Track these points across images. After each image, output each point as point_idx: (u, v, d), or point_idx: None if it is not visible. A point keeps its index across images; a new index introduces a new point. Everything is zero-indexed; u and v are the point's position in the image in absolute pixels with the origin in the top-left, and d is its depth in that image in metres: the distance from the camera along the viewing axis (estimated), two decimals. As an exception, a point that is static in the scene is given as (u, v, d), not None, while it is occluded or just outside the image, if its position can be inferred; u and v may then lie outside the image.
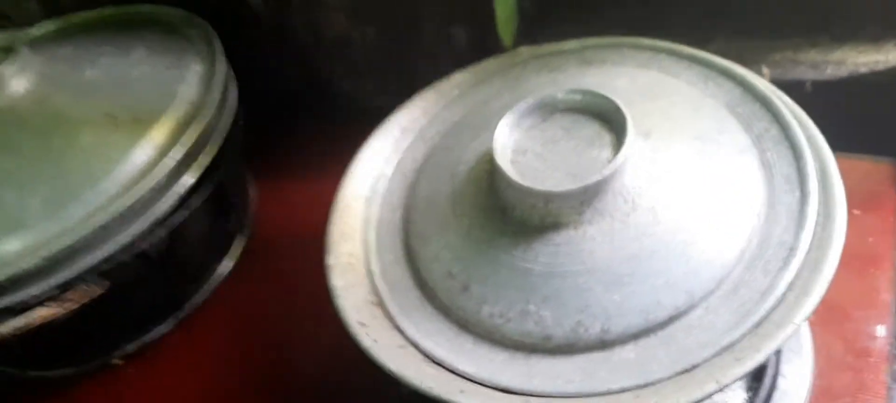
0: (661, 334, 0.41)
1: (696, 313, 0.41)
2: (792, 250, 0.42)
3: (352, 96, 0.80)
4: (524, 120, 0.48)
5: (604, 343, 0.41)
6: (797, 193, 0.44)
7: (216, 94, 0.65)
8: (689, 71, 0.52)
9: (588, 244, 0.43)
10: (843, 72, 0.62)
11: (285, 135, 0.84)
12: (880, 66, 0.61)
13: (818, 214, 0.43)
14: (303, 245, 0.70)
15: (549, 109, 0.48)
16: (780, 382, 0.52)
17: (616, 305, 0.42)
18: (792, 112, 0.48)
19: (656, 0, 0.66)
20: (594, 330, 0.42)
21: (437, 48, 0.72)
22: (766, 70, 0.63)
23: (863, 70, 0.62)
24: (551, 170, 0.45)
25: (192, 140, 0.61)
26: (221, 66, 0.67)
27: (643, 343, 0.41)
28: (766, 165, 0.46)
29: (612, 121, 0.46)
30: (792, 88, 0.49)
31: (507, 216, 0.45)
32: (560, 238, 0.44)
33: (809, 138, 0.46)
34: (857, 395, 0.50)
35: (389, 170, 0.54)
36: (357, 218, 0.52)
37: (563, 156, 0.46)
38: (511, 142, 0.47)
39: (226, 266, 0.72)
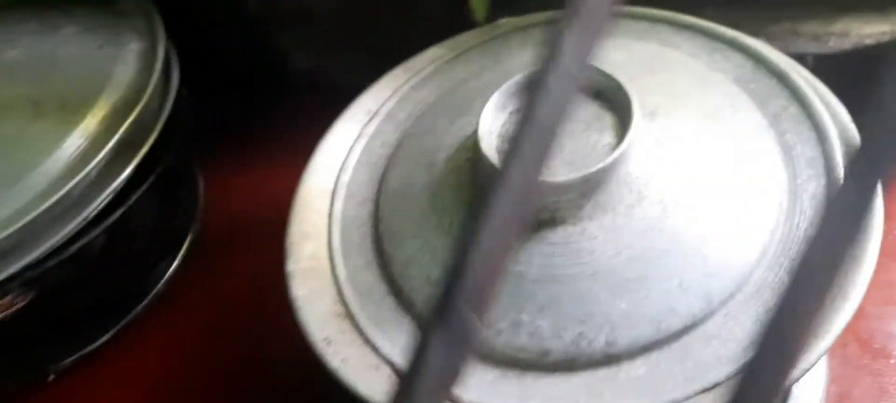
0: (675, 346, 0.36)
1: (715, 321, 0.36)
2: (822, 246, 0.37)
3: (312, 74, 0.73)
4: (512, 101, 0.42)
5: (609, 358, 0.36)
6: (823, 181, 0.39)
7: (157, 76, 0.58)
8: (692, 42, 0.47)
9: (589, 243, 0.37)
10: (846, 44, 0.57)
11: (237, 119, 0.77)
12: (887, 37, 0.56)
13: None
14: (259, 239, 0.64)
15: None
16: (794, 389, 0.47)
17: (623, 313, 0.36)
18: (813, 87, 0.42)
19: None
20: (598, 342, 0.36)
21: (409, 21, 0.66)
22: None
23: (868, 42, 0.57)
24: (544, 158, 0.39)
25: (130, 127, 0.55)
26: (162, 44, 0.60)
27: (655, 357, 0.36)
28: (785, 148, 0.41)
29: (612, 100, 0.40)
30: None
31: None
32: (557, 236, 0.38)
33: (834, 117, 0.41)
34: (879, 402, 0.45)
35: (354, 159, 0.48)
36: (320, 214, 0.45)
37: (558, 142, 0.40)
38: (497, 127, 0.41)
39: (173, 266, 0.66)
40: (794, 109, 0.42)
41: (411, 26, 0.65)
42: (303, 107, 0.72)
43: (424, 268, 0.40)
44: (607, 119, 0.40)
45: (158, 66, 0.59)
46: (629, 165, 0.38)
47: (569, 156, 0.39)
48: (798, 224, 0.38)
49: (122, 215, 0.55)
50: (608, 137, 0.39)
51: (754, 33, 0.58)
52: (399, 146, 0.47)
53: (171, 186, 0.64)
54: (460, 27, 0.56)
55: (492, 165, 0.39)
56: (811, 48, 0.57)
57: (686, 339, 0.36)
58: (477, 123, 0.40)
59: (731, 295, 0.36)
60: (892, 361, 0.47)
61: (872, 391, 0.46)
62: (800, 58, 0.57)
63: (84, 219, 0.52)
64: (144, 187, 0.57)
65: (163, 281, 0.64)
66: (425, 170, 0.43)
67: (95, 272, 0.58)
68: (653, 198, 0.38)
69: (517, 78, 0.42)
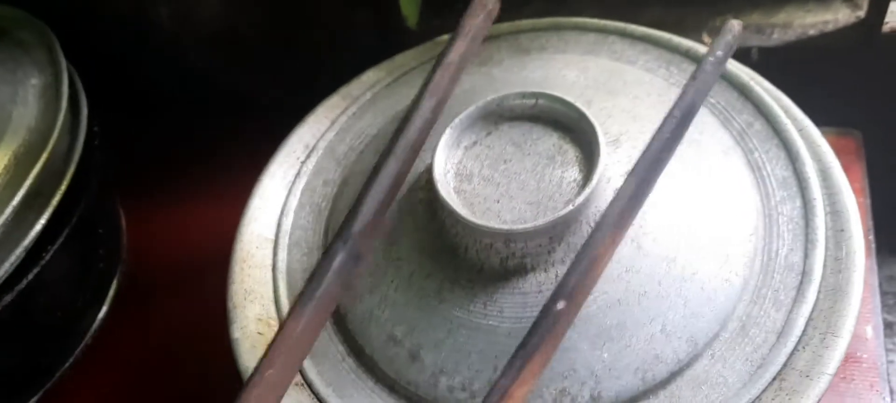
0: (662, 395, 0.34)
1: (702, 364, 0.34)
2: (805, 275, 0.35)
3: (233, 94, 0.68)
4: (465, 135, 0.39)
5: (595, 414, 0.34)
6: (798, 201, 0.37)
7: (63, 114, 0.52)
8: (646, 55, 0.45)
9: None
10: (790, 36, 0.56)
11: (154, 147, 0.71)
12: (830, 27, 0.56)
13: (827, 227, 0.36)
14: (190, 276, 0.60)
15: (493, 119, 0.39)
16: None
17: (605, 364, 0.34)
18: (776, 100, 0.41)
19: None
20: (582, 398, 0.34)
21: (334, 36, 0.62)
22: (707, 38, 0.56)
23: (812, 32, 0.56)
24: (507, 199, 0.37)
25: (38, 176, 0.48)
26: (66, 77, 0.54)
27: (642, 409, 0.33)
28: (755, 168, 0.39)
29: (574, 130, 0.38)
30: (737, 57, 0.42)
31: (458, 259, 0.37)
32: (528, 285, 0.35)
33: (802, 132, 0.39)
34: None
35: (295, 201, 0.44)
36: (262, 269, 0.42)
37: (519, 180, 0.37)
38: (452, 166, 0.38)
39: (100, 314, 0.60)
40: (758, 125, 0.40)
41: (338, 41, 0.61)
42: (225, 129, 0.67)
43: (384, 326, 0.37)
44: (570, 152, 0.37)
45: (64, 103, 0.52)
46: (598, 202, 0.35)
47: (533, 196, 0.36)
48: (777, 250, 0.36)
49: (37, 273, 0.50)
50: (573, 172, 0.37)
51: (698, 28, 0.56)
52: (344, 185, 0.43)
53: (90, 230, 0.58)
54: (390, 41, 0.52)
55: (452, 211, 0.35)
56: (755, 41, 0.56)
57: (673, 387, 0.34)
58: (430, 161, 0.37)
59: (716, 335, 0.34)
60: (864, 366, 0.46)
61: (847, 395, 0.45)
62: (745, 52, 0.56)
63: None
64: (60, 241, 0.51)
65: (90, 332, 0.58)
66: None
67: (12, 335, 0.52)
68: (626, 237, 0.36)
69: (469, 111, 0.39)
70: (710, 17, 0.57)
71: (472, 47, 0.38)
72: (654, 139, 0.32)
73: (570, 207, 0.34)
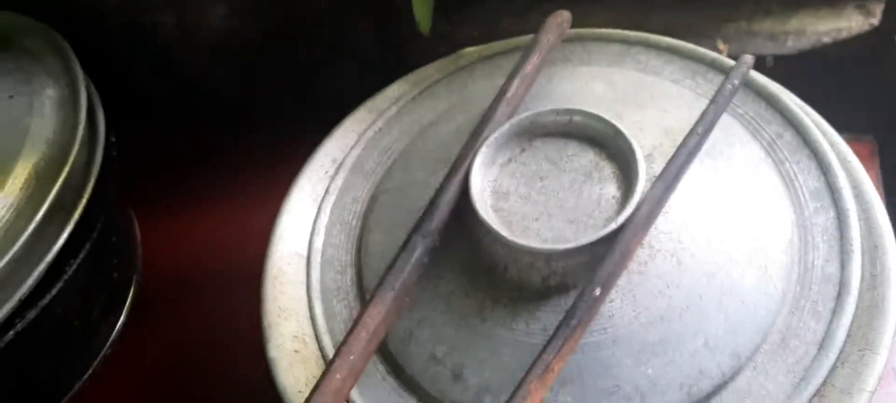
0: (707, 411, 0.34)
1: (745, 377, 0.34)
2: (843, 286, 0.36)
3: (240, 99, 0.68)
4: (500, 152, 0.39)
5: (643, 431, 0.34)
6: (831, 212, 0.38)
7: (82, 127, 0.51)
8: (671, 66, 0.45)
9: (607, 306, 0.35)
10: (804, 43, 0.57)
11: (159, 152, 0.71)
12: (844, 35, 0.57)
13: (862, 238, 0.37)
14: (199, 282, 0.61)
15: (527, 136, 0.39)
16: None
17: (651, 380, 0.34)
18: (804, 111, 0.41)
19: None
20: (627, 415, 0.34)
21: (338, 41, 0.62)
22: (722, 45, 0.56)
23: (826, 40, 0.56)
24: (546, 217, 0.37)
25: (58, 187, 0.47)
26: (83, 87, 0.53)
27: (688, 425, 0.34)
28: (787, 180, 0.39)
29: (609, 146, 0.38)
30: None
31: (496, 278, 0.37)
32: (570, 301, 0.35)
33: (832, 145, 0.40)
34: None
35: (325, 219, 0.44)
36: (296, 286, 0.42)
37: (557, 197, 0.37)
38: (488, 184, 0.38)
39: (117, 325, 0.59)
40: (788, 136, 0.41)
41: (339, 50, 0.61)
42: (227, 136, 0.67)
43: (425, 345, 0.37)
44: (607, 168, 0.38)
45: (83, 115, 0.51)
46: (648, 225, 0.36)
47: (572, 214, 0.37)
48: (813, 261, 0.37)
49: (58, 288, 0.49)
50: (611, 189, 0.37)
51: (708, 34, 0.57)
52: (374, 202, 0.43)
53: (107, 243, 0.57)
54: (392, 51, 0.52)
55: (492, 230, 0.36)
56: (769, 48, 0.56)
57: (717, 400, 0.34)
58: (466, 180, 0.37)
59: (758, 348, 0.35)
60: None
61: None
62: (760, 60, 0.56)
63: (16, 303, 0.46)
64: (82, 255, 0.51)
65: (108, 343, 0.58)
66: (407, 232, 0.40)
67: (32, 350, 0.52)
68: (666, 252, 0.36)
69: (504, 128, 0.39)
70: (721, 23, 0.58)
71: (545, 60, 0.42)
72: (680, 149, 0.37)
73: (614, 225, 0.34)
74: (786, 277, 0.36)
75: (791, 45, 0.56)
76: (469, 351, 0.36)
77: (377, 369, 0.38)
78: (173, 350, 0.59)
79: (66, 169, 0.49)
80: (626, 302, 0.35)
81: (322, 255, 0.43)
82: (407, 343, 0.37)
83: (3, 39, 0.58)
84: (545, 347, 0.33)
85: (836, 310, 0.35)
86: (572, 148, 0.39)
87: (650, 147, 0.39)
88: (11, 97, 0.53)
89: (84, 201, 0.50)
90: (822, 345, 0.34)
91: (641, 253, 0.36)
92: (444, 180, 0.38)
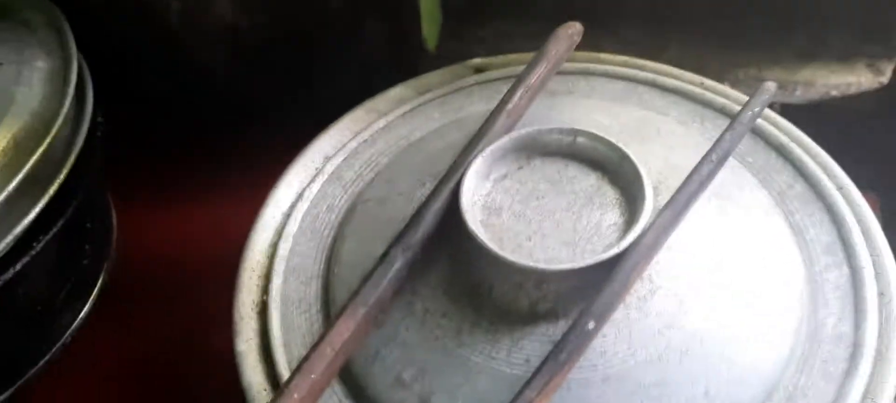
0: (703, 468, 0.30)
1: (746, 434, 0.31)
2: (857, 347, 0.33)
3: (238, 93, 0.65)
4: (495, 167, 0.36)
5: (630, 485, 0.30)
6: (845, 268, 0.35)
7: (69, 101, 0.49)
8: (678, 108, 0.43)
9: (599, 341, 0.32)
10: (813, 94, 0.57)
11: (153, 143, 0.67)
12: (853, 90, 0.57)
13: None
14: (177, 279, 0.58)
15: (527, 153, 0.36)
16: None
17: (644, 427, 0.30)
18: (815, 159, 0.39)
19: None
20: (616, 463, 0.30)
21: (345, 41, 0.59)
22: (729, 89, 0.56)
23: (834, 93, 0.57)
24: (540, 237, 0.34)
25: (37, 163, 0.46)
26: (75, 63, 0.51)
27: (682, 481, 0.30)
28: (797, 231, 0.37)
29: (613, 172, 0.35)
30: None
31: (480, 299, 0.33)
32: (558, 332, 0.32)
33: (842, 191, 0.37)
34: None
35: (294, 226, 0.40)
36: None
37: (554, 218, 0.34)
38: (480, 197, 0.35)
39: (81, 313, 0.55)
40: (799, 187, 0.38)
41: (345, 50, 0.59)
42: (223, 131, 0.64)
43: (391, 367, 0.33)
44: (610, 193, 0.35)
45: (71, 89, 0.49)
46: (650, 257, 0.33)
47: (569, 236, 0.33)
48: (823, 319, 0.34)
49: (24, 264, 0.45)
50: (613, 216, 0.34)
51: (718, 75, 0.55)
52: (351, 213, 0.40)
53: (81, 224, 0.54)
54: (401, 55, 0.50)
55: (480, 243, 0.32)
56: (777, 97, 0.55)
57: (715, 458, 0.30)
58: (457, 191, 0.34)
59: (763, 403, 0.31)
60: None
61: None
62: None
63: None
64: (52, 233, 0.48)
65: (69, 332, 0.54)
66: (386, 244, 0.36)
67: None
68: (667, 290, 0.33)
69: (502, 141, 0.36)
70: (732, 67, 0.57)
71: (552, 72, 0.40)
72: (692, 175, 0.35)
73: (615, 250, 0.31)
74: (794, 333, 0.33)
75: (799, 95, 0.57)
76: (440, 377, 0.32)
77: (334, 391, 0.34)
78: (137, 345, 0.55)
79: (47, 140, 0.47)
80: (620, 339, 0.32)
81: (287, 263, 0.39)
82: (371, 362, 0.33)
83: (3, 9, 0.56)
84: (529, 382, 0.30)
85: (848, 372, 0.32)
86: (574, 169, 0.36)
87: (656, 179, 0.36)
88: (1, 65, 0.51)
89: (61, 177, 0.48)
90: (828, 405, 0.31)
91: (640, 288, 0.33)
92: (432, 191, 0.35)
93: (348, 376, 0.34)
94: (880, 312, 0.34)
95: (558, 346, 0.30)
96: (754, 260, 0.35)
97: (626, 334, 0.32)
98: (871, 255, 0.35)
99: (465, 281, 0.34)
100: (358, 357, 0.34)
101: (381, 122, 0.43)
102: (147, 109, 0.66)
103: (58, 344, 0.53)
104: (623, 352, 0.32)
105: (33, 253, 0.46)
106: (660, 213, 0.33)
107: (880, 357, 0.32)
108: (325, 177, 0.42)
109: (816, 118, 0.53)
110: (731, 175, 0.38)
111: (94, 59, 0.54)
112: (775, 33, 0.60)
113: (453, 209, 0.34)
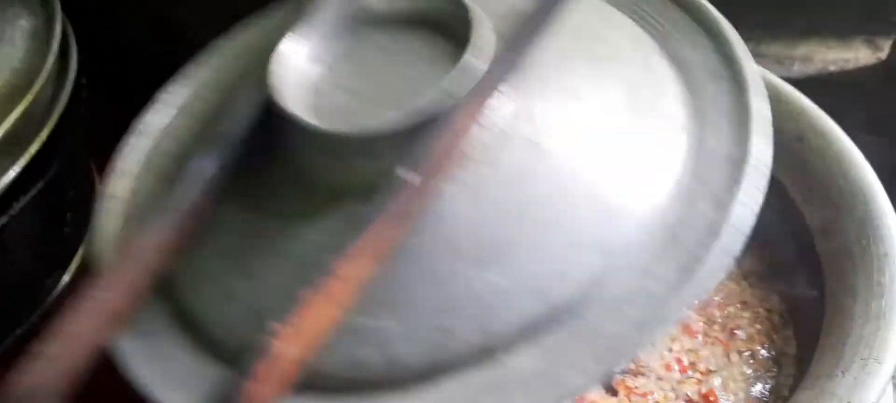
0: (573, 321, 0.26)
1: (620, 279, 0.26)
2: (742, 162, 0.28)
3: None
4: (321, 45, 0.31)
5: (487, 353, 0.26)
6: (724, 84, 0.30)
7: (52, 59, 0.50)
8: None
9: (443, 206, 0.27)
10: (810, 70, 0.58)
11: (136, 106, 0.66)
12: (851, 65, 0.58)
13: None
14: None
15: (353, 21, 0.32)
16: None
17: (497, 290, 0.26)
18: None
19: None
20: (468, 335, 0.26)
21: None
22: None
23: (832, 69, 0.58)
24: (371, 107, 0.29)
25: (18, 121, 0.46)
26: (59, 22, 0.51)
27: (549, 340, 0.25)
28: (673, 56, 0.32)
29: (451, 26, 0.31)
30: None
31: (303, 184, 0.29)
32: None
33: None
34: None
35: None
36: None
37: (384, 84, 0.30)
38: (299, 77, 0.31)
39: (61, 282, 0.56)
40: (675, 15, 0.33)
41: None
42: None
43: (219, 279, 0.29)
44: (450, 48, 0.30)
45: (54, 47, 0.50)
46: (483, 98, 0.28)
47: (397, 99, 0.29)
48: (712, 147, 0.29)
49: (2, 226, 0.47)
50: (449, 67, 0.29)
51: None
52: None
53: (62, 189, 0.54)
54: None
55: (291, 116, 0.28)
56: (775, 71, 0.54)
57: (586, 309, 0.26)
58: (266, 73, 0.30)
59: (640, 243, 0.27)
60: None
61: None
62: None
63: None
64: (31, 194, 0.48)
65: (48, 300, 0.55)
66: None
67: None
68: (522, 136, 0.28)
69: (320, 8, 0.31)
70: None
71: None
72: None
73: (436, 96, 0.27)
74: (682, 165, 0.28)
75: (797, 70, 0.58)
76: (271, 281, 0.28)
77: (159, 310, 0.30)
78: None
79: (28, 98, 0.47)
80: (466, 199, 0.27)
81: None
82: (196, 277, 0.29)
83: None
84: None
85: (733, 190, 0.27)
86: (410, 35, 0.31)
87: (498, 26, 0.31)
88: (-18, 24, 0.53)
89: (43, 136, 0.49)
90: (715, 231, 0.26)
91: (489, 140, 0.28)
92: (239, 79, 0.31)
93: (172, 293, 0.30)
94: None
95: (377, 211, 0.25)
96: (627, 95, 0.30)
97: (475, 193, 0.27)
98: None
99: (291, 172, 0.29)
100: (181, 273, 0.29)
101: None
102: (132, 75, 0.64)
103: (36, 314, 0.53)
104: (471, 213, 0.27)
105: (12, 212, 0.47)
106: (497, 57, 0.29)
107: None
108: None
109: (814, 94, 0.52)
110: (602, 18, 0.33)
111: (77, 23, 0.55)
112: (775, 11, 0.60)
113: (267, 95, 0.30)
